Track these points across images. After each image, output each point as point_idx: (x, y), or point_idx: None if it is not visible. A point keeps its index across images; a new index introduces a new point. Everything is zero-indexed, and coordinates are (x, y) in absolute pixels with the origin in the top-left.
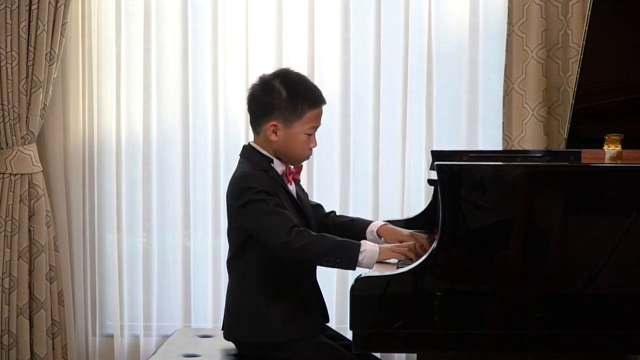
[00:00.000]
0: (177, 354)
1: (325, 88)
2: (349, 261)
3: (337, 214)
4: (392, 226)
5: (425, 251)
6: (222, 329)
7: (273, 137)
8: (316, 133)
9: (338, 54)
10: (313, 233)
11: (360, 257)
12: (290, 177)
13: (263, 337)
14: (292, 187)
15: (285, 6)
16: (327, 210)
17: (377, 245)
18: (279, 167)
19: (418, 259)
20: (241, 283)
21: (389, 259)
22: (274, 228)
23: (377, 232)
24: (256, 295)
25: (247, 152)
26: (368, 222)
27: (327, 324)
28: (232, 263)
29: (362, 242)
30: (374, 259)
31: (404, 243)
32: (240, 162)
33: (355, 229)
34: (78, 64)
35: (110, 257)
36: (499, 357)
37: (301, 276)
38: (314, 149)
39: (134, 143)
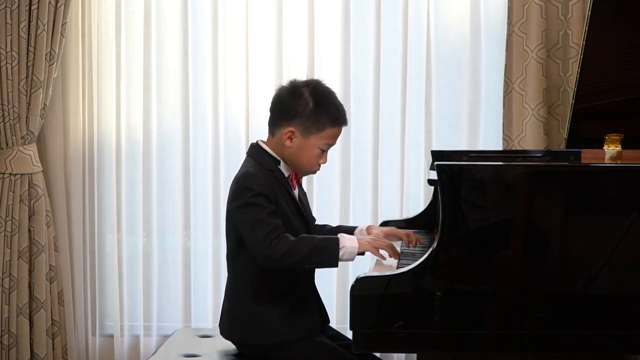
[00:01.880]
0: (177, 354)
1: None
2: (330, 259)
3: (335, 217)
4: (379, 227)
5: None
6: (219, 325)
7: (288, 143)
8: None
9: (338, 54)
10: (291, 238)
11: (341, 253)
12: (295, 182)
13: (261, 338)
14: (295, 191)
15: (285, 6)
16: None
17: (355, 238)
18: (285, 170)
19: (397, 257)
20: (238, 282)
21: (368, 250)
22: (257, 241)
23: (365, 230)
24: (253, 296)
25: (255, 151)
26: (353, 227)
27: (328, 325)
28: (230, 261)
29: (340, 236)
30: (354, 253)
31: (383, 239)
32: (246, 161)
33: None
34: (78, 64)
35: (110, 257)
36: (499, 357)
37: (298, 276)
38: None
39: (134, 143)
